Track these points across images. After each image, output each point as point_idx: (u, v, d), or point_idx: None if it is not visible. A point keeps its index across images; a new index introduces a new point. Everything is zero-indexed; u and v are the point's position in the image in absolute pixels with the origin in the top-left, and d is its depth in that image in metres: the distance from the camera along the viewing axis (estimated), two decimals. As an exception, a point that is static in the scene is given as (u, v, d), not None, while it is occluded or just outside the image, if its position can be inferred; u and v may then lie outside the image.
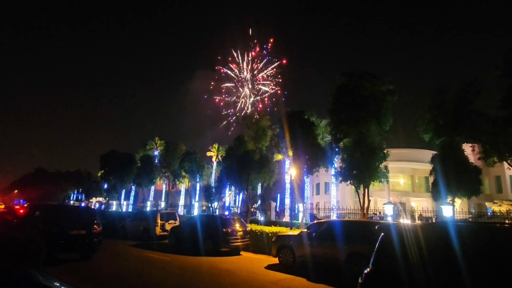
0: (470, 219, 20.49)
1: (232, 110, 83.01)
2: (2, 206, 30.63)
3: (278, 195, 45.16)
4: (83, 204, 52.18)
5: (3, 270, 2.09)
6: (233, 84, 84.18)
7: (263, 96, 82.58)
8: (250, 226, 15.35)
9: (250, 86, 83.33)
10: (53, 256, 9.94)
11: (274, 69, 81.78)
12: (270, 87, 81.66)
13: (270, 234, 13.87)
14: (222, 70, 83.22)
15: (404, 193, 40.86)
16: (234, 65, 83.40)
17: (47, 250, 7.45)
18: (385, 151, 16.93)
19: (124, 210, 42.31)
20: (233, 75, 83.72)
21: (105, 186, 42.45)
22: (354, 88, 16.84)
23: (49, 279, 2.00)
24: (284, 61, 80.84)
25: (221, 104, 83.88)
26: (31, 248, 6.38)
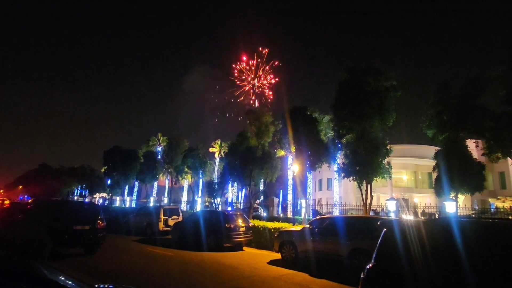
0: (473, 215, 20.42)
1: (239, 97, 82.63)
2: (7, 202, 30.93)
3: (281, 191, 45.22)
4: (86, 200, 52.57)
5: (9, 264, 2.11)
6: (237, 80, 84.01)
7: (266, 91, 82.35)
8: (252, 222, 15.39)
9: (254, 82, 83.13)
10: (58, 251, 10.03)
11: (276, 64, 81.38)
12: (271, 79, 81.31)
13: (272, 230, 13.91)
14: (234, 72, 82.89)
15: (407, 189, 40.80)
16: (238, 63, 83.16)
17: (52, 244, 7.54)
18: (388, 147, 16.85)
19: (127, 205, 42.56)
20: (237, 71, 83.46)
21: (109, 182, 42.65)
22: (357, 84, 16.72)
23: (54, 273, 2.02)
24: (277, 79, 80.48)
25: (228, 97, 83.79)
26: (36, 242, 6.45)
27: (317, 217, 13.08)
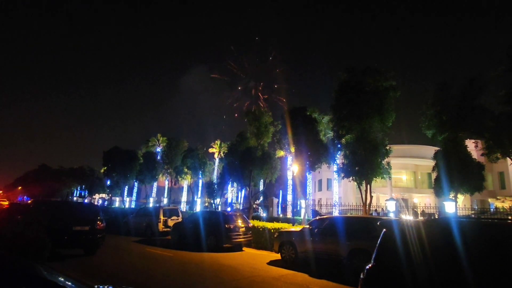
0: (473, 215, 20.43)
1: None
2: (6, 203, 30.85)
3: (280, 191, 45.17)
4: (86, 201, 52.48)
5: (9, 265, 2.11)
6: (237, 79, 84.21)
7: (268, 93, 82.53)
8: (252, 222, 15.39)
9: (253, 83, 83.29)
10: (58, 252, 10.02)
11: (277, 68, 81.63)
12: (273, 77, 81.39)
13: (272, 230, 13.91)
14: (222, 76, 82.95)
15: (407, 189, 40.78)
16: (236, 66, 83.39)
17: (52, 245, 7.51)
18: (387, 147, 16.86)
19: (127, 206, 42.52)
20: (237, 72, 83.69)
21: (108, 182, 42.62)
22: (356, 84, 16.75)
23: (54, 274, 2.02)
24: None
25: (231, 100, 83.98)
26: (35, 243, 6.44)
27: (317, 218, 13.08)
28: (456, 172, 15.43)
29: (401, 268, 3.59)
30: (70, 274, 2.24)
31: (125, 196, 45.33)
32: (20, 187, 71.92)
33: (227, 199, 41.86)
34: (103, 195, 55.17)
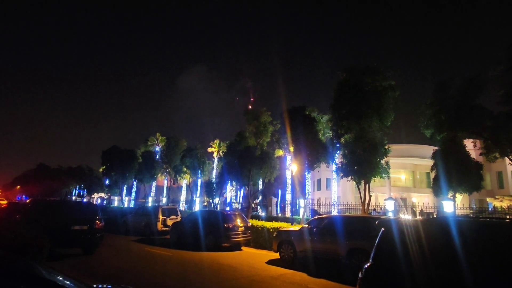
0: (471, 215, 20.48)
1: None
2: (5, 202, 30.76)
3: (279, 190, 45.18)
4: (85, 200, 52.40)
5: (7, 265, 2.11)
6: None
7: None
8: (251, 222, 15.38)
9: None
10: (56, 251, 10.00)
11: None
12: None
13: (271, 230, 13.92)
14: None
15: (405, 188, 40.84)
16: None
17: (50, 245, 7.50)
18: (386, 147, 16.89)
19: (125, 205, 42.48)
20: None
21: (107, 181, 42.59)
22: (355, 84, 16.76)
23: (52, 273, 2.02)
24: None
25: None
26: (34, 243, 6.43)
27: (316, 217, 13.09)
28: (454, 171, 15.47)
29: (399, 267, 3.60)
30: (69, 273, 2.24)
31: (124, 195, 45.28)
32: (18, 186, 71.75)
33: (226, 198, 41.87)
34: (102, 195, 55.07)
